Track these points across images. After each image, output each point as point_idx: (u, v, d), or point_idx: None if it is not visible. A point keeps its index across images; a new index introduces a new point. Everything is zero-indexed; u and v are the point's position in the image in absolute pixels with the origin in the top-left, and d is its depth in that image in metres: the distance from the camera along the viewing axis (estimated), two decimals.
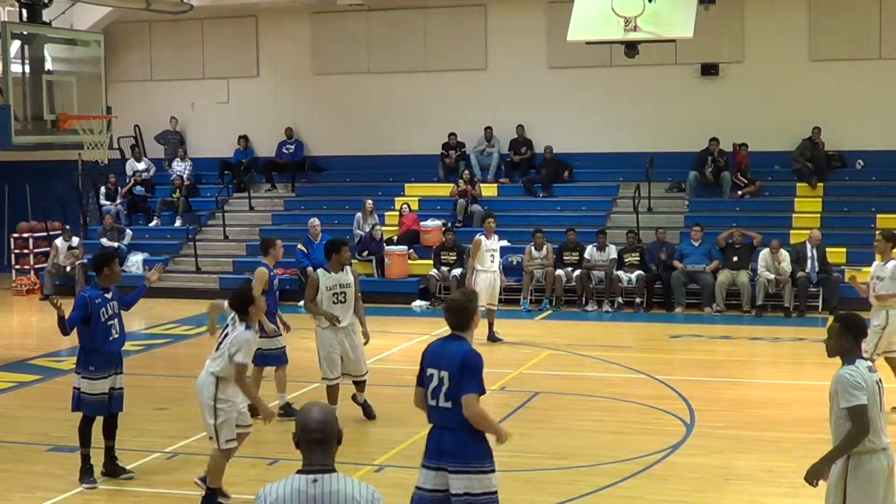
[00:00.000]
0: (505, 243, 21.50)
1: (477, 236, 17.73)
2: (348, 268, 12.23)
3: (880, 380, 6.88)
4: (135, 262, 24.01)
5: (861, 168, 23.43)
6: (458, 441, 6.95)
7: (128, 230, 25.16)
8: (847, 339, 6.89)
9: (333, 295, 11.97)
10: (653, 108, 24.29)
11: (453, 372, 6.92)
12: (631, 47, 17.53)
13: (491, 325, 17.45)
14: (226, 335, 9.45)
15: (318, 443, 4.75)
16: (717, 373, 15.20)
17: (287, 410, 12.31)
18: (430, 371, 7.07)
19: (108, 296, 10.30)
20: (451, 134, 25.20)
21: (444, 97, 25.69)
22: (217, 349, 9.49)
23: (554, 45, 23.59)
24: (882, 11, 23.07)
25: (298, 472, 4.76)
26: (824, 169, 23.19)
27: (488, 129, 25.12)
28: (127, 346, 10.77)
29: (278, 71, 27.01)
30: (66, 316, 10.03)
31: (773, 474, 10.30)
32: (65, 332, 10.17)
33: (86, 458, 10.38)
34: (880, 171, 23.02)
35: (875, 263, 12.96)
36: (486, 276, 17.35)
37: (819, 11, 23.54)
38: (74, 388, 10.38)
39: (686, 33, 17.10)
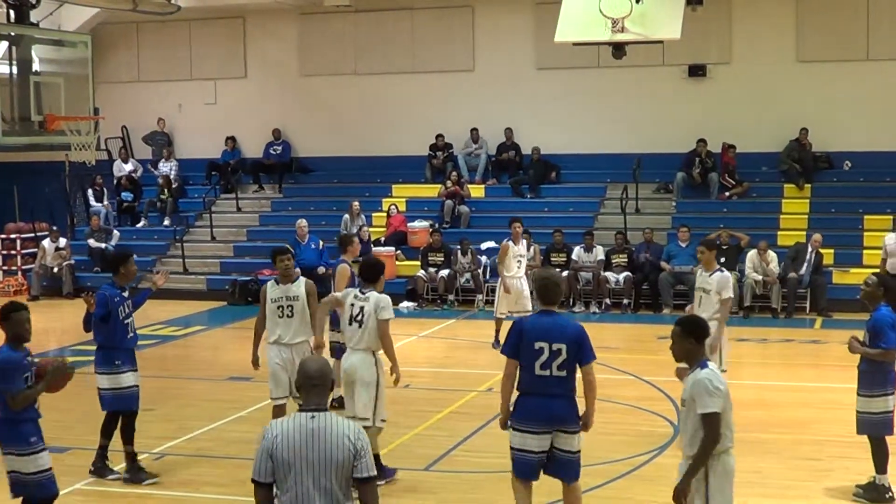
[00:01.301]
0: (492, 244, 21.54)
1: (504, 241, 17.04)
2: (302, 280, 11.01)
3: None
4: None
5: (848, 169, 23.47)
6: (569, 406, 8.01)
7: (115, 231, 25.12)
8: (689, 342, 6.97)
9: (278, 308, 10.77)
10: (640, 110, 24.30)
11: (570, 344, 7.96)
12: (618, 48, 17.51)
13: (498, 331, 16.59)
14: (359, 311, 9.84)
15: (315, 386, 5.65)
16: None
17: (340, 403, 11.22)
18: (538, 345, 7.93)
19: (125, 294, 10.49)
20: (439, 135, 25.19)
21: (431, 98, 25.68)
22: (360, 327, 9.83)
23: (541, 46, 23.61)
24: (869, 13, 23.12)
25: (299, 410, 5.65)
26: (812, 170, 23.23)
27: (475, 130, 25.12)
28: None
29: (266, 72, 26.98)
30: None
31: (760, 475, 10.30)
32: (88, 329, 10.41)
33: (103, 450, 10.52)
34: (868, 173, 23.07)
35: (699, 275, 11.91)
36: (513, 282, 16.59)
37: (806, 12, 23.58)
38: (98, 388, 10.48)
39: (673, 34, 17.11)
